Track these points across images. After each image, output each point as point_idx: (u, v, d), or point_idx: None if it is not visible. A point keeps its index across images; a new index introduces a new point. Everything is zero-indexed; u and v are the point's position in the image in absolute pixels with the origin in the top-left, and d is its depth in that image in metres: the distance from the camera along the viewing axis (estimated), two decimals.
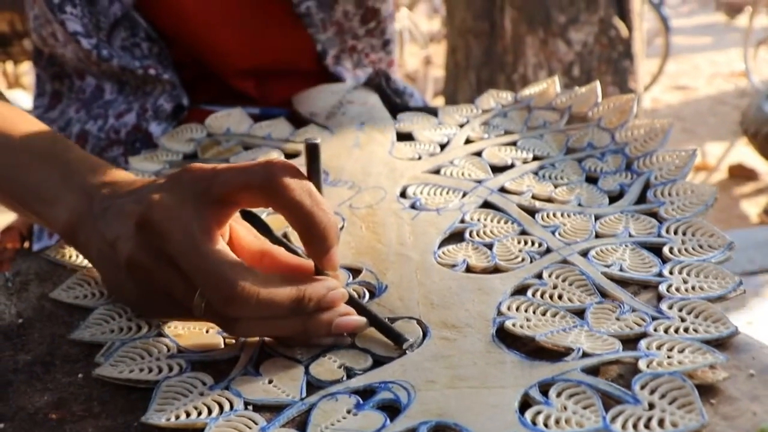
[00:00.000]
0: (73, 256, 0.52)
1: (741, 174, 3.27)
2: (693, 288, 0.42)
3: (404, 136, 0.67)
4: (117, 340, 0.42)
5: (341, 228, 0.52)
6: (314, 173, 0.41)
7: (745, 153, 3.45)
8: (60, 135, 0.50)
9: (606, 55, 2.13)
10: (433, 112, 0.71)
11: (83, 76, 0.76)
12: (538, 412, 0.33)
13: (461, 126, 0.68)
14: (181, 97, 0.72)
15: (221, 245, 0.38)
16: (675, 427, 0.31)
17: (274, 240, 0.44)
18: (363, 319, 0.40)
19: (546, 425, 0.33)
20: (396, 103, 0.81)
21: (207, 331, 0.43)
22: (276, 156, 0.65)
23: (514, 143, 0.63)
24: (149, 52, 0.71)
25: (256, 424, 0.35)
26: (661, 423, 0.32)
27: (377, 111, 0.72)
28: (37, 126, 0.51)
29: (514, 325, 0.40)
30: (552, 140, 0.63)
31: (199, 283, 0.37)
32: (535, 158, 0.61)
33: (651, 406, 0.33)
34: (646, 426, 0.32)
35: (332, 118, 0.71)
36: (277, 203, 0.39)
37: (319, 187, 0.40)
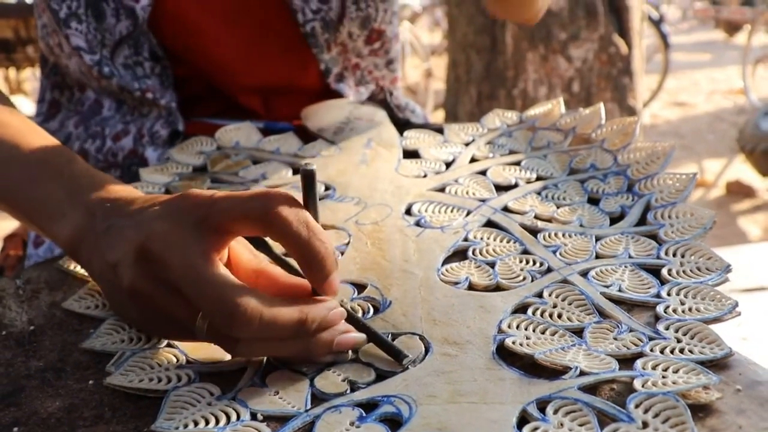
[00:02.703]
0: None
1: (738, 191, 3.29)
2: (690, 309, 0.43)
3: (410, 154, 0.68)
4: (127, 350, 0.43)
5: (347, 243, 0.54)
6: (311, 200, 0.41)
7: (742, 170, 3.48)
8: (65, 147, 0.51)
9: (606, 71, 2.16)
10: (439, 129, 0.73)
11: (84, 88, 0.77)
12: (535, 428, 0.34)
13: (467, 145, 0.69)
14: (176, 123, 0.73)
15: (222, 269, 0.38)
16: None
17: (274, 258, 0.44)
18: (362, 336, 0.41)
19: None
20: (398, 117, 0.82)
21: None
22: (285, 172, 0.66)
23: (518, 163, 0.65)
24: (151, 72, 0.73)
25: None
26: None
27: (385, 128, 0.73)
28: (44, 138, 0.51)
29: (513, 342, 0.41)
30: (555, 161, 0.64)
31: (203, 306, 0.38)
32: (538, 178, 0.62)
33: (645, 425, 0.34)
34: None
35: (340, 133, 0.72)
36: (274, 234, 0.40)
37: (315, 214, 0.41)
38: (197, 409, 0.38)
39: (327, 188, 0.63)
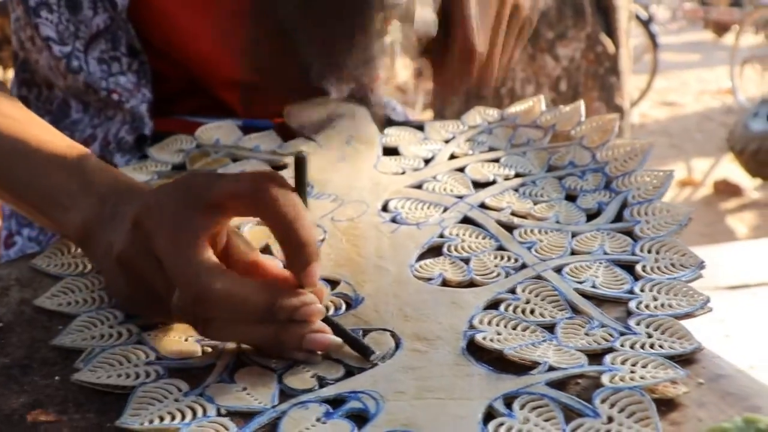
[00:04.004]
0: (58, 264, 0.53)
1: (726, 190, 3.31)
2: (662, 305, 0.44)
3: (390, 151, 0.68)
4: (97, 347, 0.43)
5: (322, 240, 0.54)
6: (300, 186, 0.42)
7: (730, 169, 3.50)
8: (72, 140, 0.52)
9: (593, 70, 2.17)
10: (419, 127, 0.73)
11: (51, 87, 0.76)
12: (501, 424, 0.34)
13: (447, 142, 0.69)
14: (143, 128, 0.72)
15: (205, 250, 0.39)
16: None
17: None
18: (337, 340, 0.41)
19: None
20: (379, 115, 0.82)
21: (186, 339, 0.43)
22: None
23: (497, 160, 0.64)
24: (128, 68, 0.72)
25: (227, 430, 0.35)
26: None
27: (365, 125, 0.73)
28: (50, 130, 0.52)
29: (484, 338, 0.41)
30: (535, 158, 0.64)
31: (176, 282, 0.39)
32: (517, 175, 0.62)
33: (610, 420, 0.34)
34: None
35: (321, 131, 0.72)
36: (262, 213, 0.41)
37: (304, 200, 0.41)
38: (164, 405, 0.37)
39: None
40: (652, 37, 4.59)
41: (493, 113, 0.73)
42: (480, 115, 0.73)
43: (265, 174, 0.41)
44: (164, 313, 0.42)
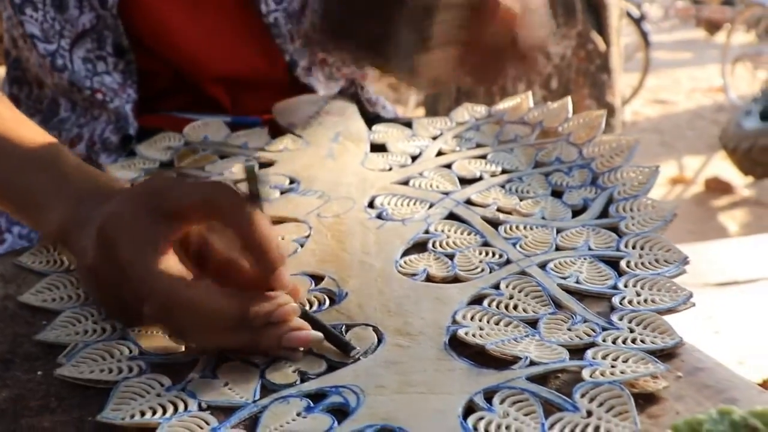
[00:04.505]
0: (43, 261, 0.52)
1: (717, 187, 3.32)
2: (645, 301, 0.44)
3: (378, 147, 0.68)
4: (80, 342, 0.43)
5: (307, 236, 0.54)
6: (254, 195, 0.42)
7: (721, 167, 3.51)
8: (54, 140, 0.52)
9: (584, 68, 2.18)
10: (407, 123, 0.73)
11: (42, 85, 0.76)
12: (480, 418, 0.34)
13: (434, 138, 0.69)
14: (127, 128, 0.72)
15: (168, 258, 0.39)
16: None
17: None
18: (317, 335, 0.41)
19: (486, 431, 0.34)
20: (369, 112, 0.82)
21: None
22: (251, 164, 0.66)
23: (484, 156, 0.65)
24: (114, 67, 0.72)
25: (207, 424, 0.36)
26: (596, 430, 0.33)
27: (353, 122, 0.73)
28: (34, 130, 0.52)
29: (466, 333, 0.41)
30: (521, 154, 0.65)
31: (140, 293, 0.39)
32: (503, 171, 0.62)
33: (589, 414, 0.34)
34: None
35: (309, 128, 0.72)
36: (220, 222, 0.41)
37: (260, 209, 0.42)
38: (146, 399, 0.37)
39: (292, 182, 0.62)
40: (643, 35, 4.61)
41: (480, 110, 0.73)
42: (468, 112, 0.73)
43: (219, 185, 0.41)
44: (138, 321, 0.42)
